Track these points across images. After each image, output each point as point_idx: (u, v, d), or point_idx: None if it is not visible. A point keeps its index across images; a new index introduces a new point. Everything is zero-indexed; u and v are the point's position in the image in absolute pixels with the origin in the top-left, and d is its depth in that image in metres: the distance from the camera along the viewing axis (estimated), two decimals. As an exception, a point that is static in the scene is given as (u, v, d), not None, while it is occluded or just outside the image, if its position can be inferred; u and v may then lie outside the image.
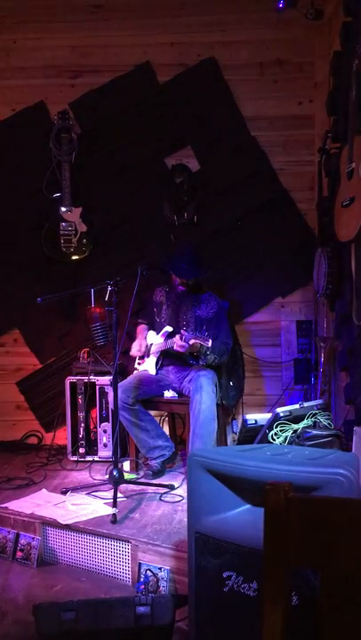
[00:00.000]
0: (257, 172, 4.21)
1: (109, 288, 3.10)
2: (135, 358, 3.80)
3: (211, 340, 3.18)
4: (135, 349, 3.67)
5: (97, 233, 4.21)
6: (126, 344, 3.82)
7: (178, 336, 3.32)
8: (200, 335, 3.19)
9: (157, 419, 3.82)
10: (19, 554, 2.82)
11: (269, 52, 4.17)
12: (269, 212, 4.21)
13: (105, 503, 2.99)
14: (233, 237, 4.24)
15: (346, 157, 2.93)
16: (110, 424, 3.79)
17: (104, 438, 3.84)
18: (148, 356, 3.68)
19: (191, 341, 3.23)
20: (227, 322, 3.62)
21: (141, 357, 3.76)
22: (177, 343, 3.31)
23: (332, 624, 1.02)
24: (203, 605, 1.91)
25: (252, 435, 3.27)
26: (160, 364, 3.62)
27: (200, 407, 3.24)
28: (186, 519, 2.03)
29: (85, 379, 3.87)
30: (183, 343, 3.27)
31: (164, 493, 3.16)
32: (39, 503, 3.03)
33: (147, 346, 3.67)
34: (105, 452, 3.83)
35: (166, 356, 3.61)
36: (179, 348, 3.32)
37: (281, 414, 3.15)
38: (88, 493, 3.17)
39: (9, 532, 2.88)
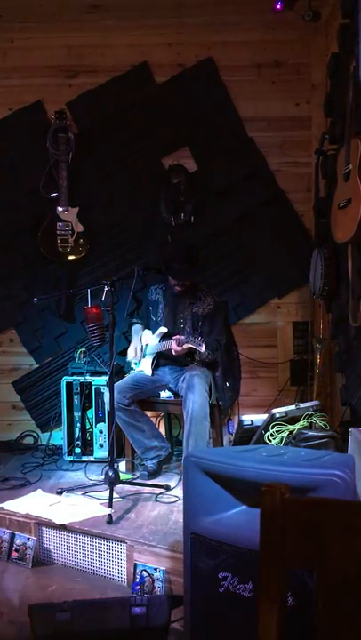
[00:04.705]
0: (254, 173, 4.21)
1: (106, 288, 3.10)
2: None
3: (204, 345, 3.22)
4: (131, 355, 3.68)
5: (94, 233, 4.21)
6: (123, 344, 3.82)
7: (175, 342, 3.35)
8: (194, 340, 3.25)
9: (153, 419, 3.82)
10: (14, 554, 2.81)
11: (267, 54, 4.17)
12: (266, 213, 4.21)
13: (101, 504, 2.99)
14: (230, 238, 4.24)
15: (343, 159, 2.94)
16: (106, 424, 3.79)
17: (100, 439, 3.84)
18: (144, 356, 3.68)
19: (185, 345, 3.30)
20: (221, 319, 3.63)
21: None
22: (174, 349, 3.35)
23: (328, 625, 1.02)
24: (198, 606, 1.91)
25: (248, 436, 3.28)
26: (156, 365, 3.62)
27: (192, 406, 3.26)
28: (182, 520, 2.03)
29: (81, 379, 3.87)
30: (180, 348, 3.31)
31: (160, 494, 3.15)
32: (35, 503, 3.02)
33: (142, 348, 3.68)
34: (101, 453, 3.83)
35: (162, 357, 3.62)
36: (176, 354, 3.37)
37: (277, 415, 3.15)
38: (84, 494, 3.17)
39: (4, 532, 2.88)
